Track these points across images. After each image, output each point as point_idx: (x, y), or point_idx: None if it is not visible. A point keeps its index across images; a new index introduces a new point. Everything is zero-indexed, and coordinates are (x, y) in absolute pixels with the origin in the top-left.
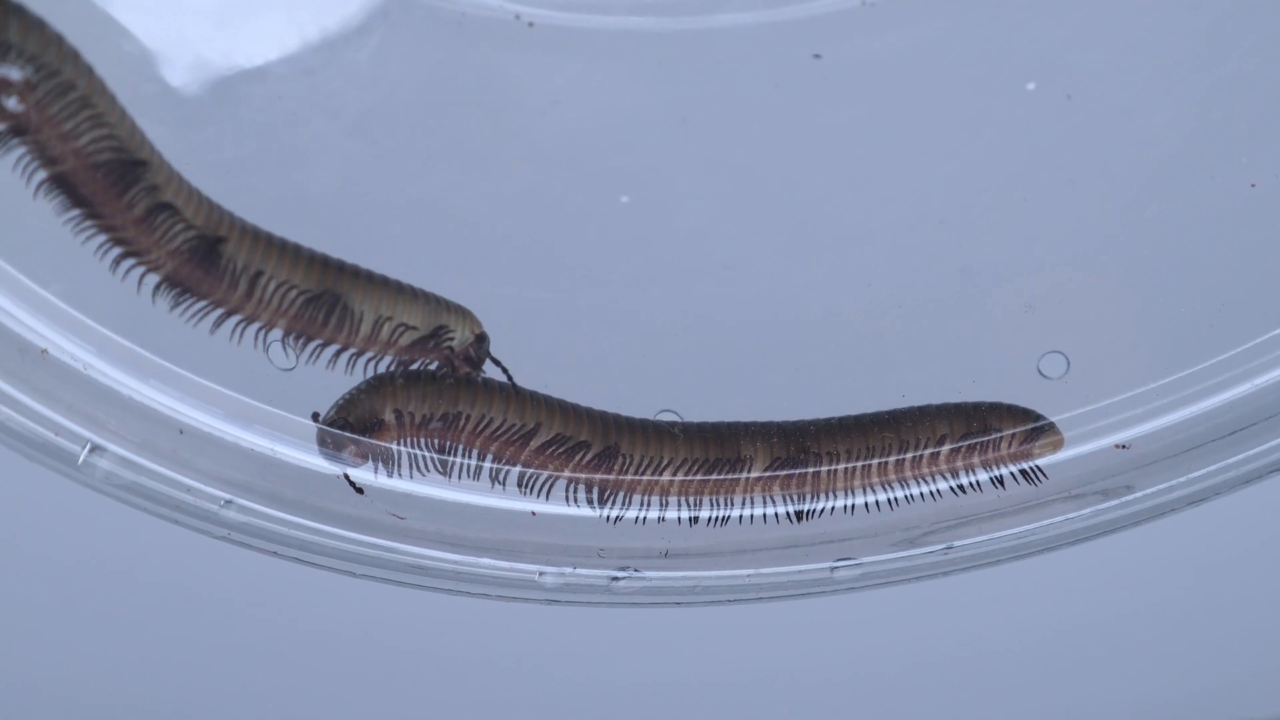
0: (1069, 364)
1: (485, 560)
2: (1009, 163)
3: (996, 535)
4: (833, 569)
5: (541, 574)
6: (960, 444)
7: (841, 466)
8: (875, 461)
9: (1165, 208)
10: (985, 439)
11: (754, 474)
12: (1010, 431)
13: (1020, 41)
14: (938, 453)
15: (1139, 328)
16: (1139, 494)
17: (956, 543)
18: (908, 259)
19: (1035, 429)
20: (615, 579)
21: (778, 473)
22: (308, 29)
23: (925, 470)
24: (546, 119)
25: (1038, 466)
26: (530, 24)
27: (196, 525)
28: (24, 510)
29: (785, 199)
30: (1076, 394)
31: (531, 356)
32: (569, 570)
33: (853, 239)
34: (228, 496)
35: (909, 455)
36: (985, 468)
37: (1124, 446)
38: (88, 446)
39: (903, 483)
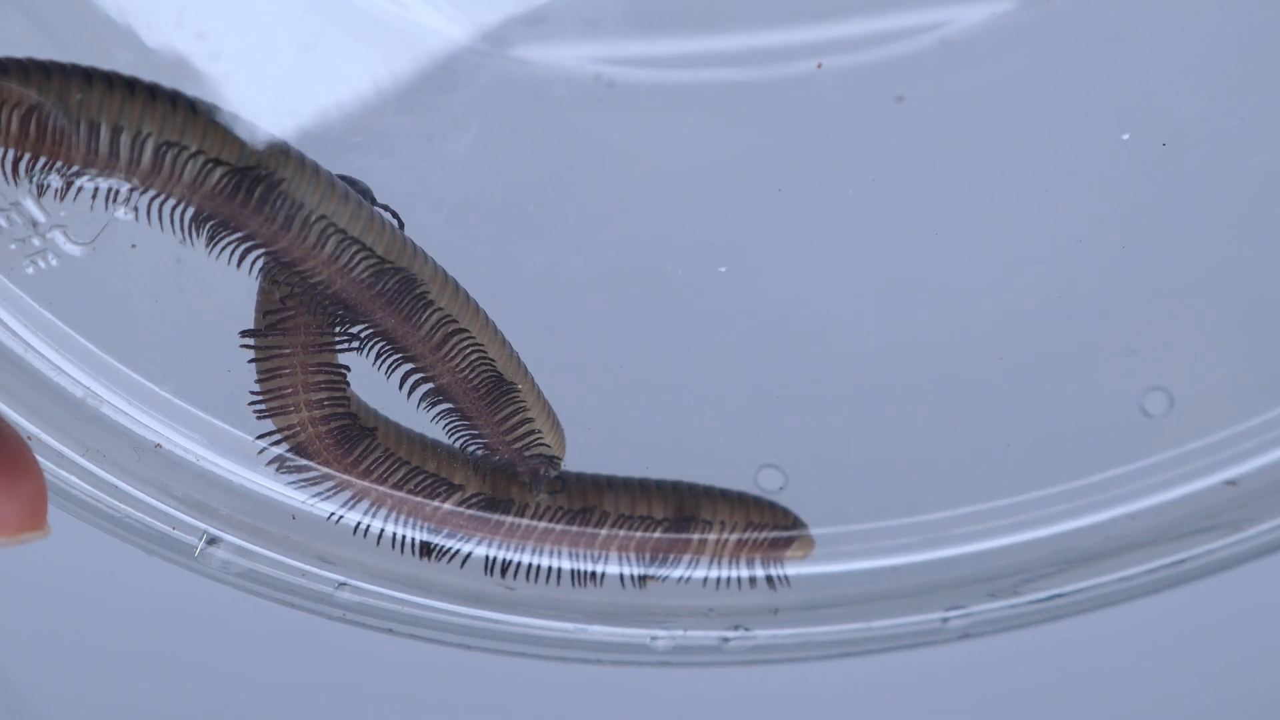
0: (1172, 401)
1: (596, 627)
2: (1103, 209)
3: (1105, 579)
4: (944, 619)
5: (654, 638)
6: (722, 535)
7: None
8: (651, 535)
9: (1267, 247)
10: (745, 535)
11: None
12: (765, 531)
13: (1108, 73)
14: (698, 539)
15: (1243, 364)
16: (1251, 531)
17: (1065, 588)
18: (1004, 308)
19: (787, 532)
20: (726, 639)
21: (553, 525)
22: (407, 126)
23: (674, 552)
24: (635, 182)
25: (784, 574)
26: (610, 84)
27: (312, 608)
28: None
29: (877, 250)
30: (1181, 431)
31: (631, 425)
32: (680, 633)
33: (947, 289)
34: (341, 579)
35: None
36: (732, 561)
37: (1233, 483)
38: (204, 538)
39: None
